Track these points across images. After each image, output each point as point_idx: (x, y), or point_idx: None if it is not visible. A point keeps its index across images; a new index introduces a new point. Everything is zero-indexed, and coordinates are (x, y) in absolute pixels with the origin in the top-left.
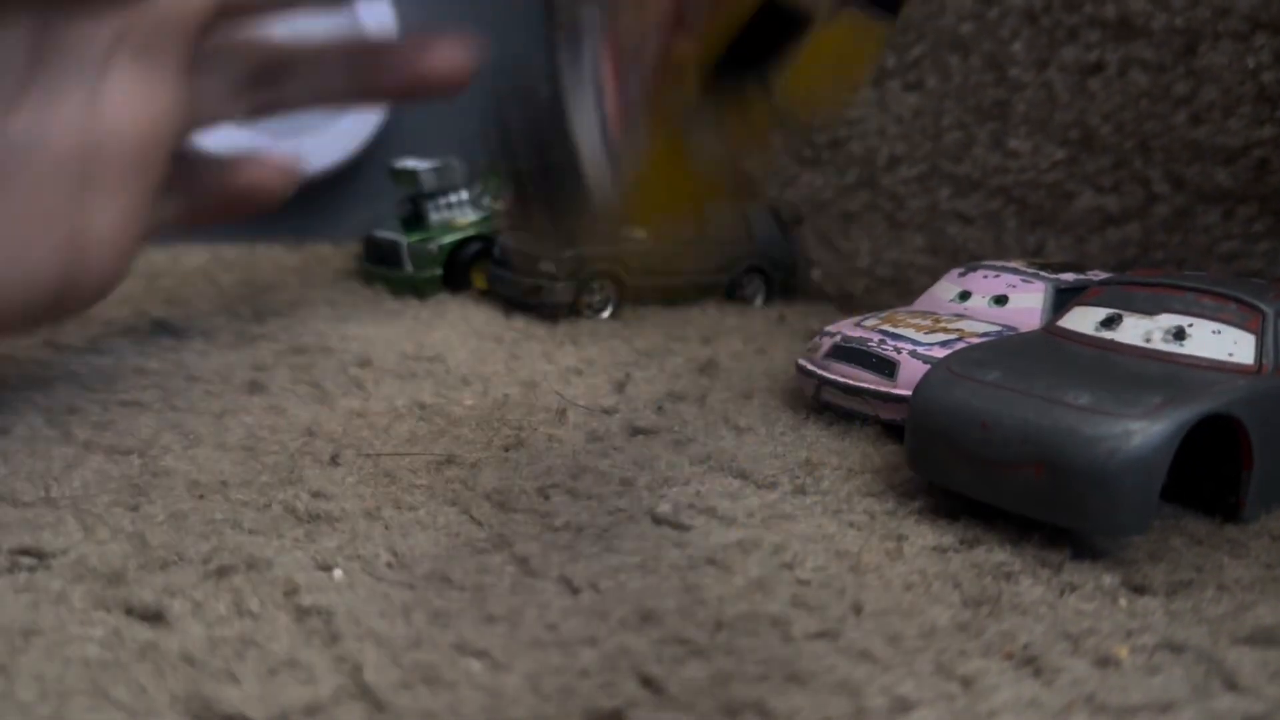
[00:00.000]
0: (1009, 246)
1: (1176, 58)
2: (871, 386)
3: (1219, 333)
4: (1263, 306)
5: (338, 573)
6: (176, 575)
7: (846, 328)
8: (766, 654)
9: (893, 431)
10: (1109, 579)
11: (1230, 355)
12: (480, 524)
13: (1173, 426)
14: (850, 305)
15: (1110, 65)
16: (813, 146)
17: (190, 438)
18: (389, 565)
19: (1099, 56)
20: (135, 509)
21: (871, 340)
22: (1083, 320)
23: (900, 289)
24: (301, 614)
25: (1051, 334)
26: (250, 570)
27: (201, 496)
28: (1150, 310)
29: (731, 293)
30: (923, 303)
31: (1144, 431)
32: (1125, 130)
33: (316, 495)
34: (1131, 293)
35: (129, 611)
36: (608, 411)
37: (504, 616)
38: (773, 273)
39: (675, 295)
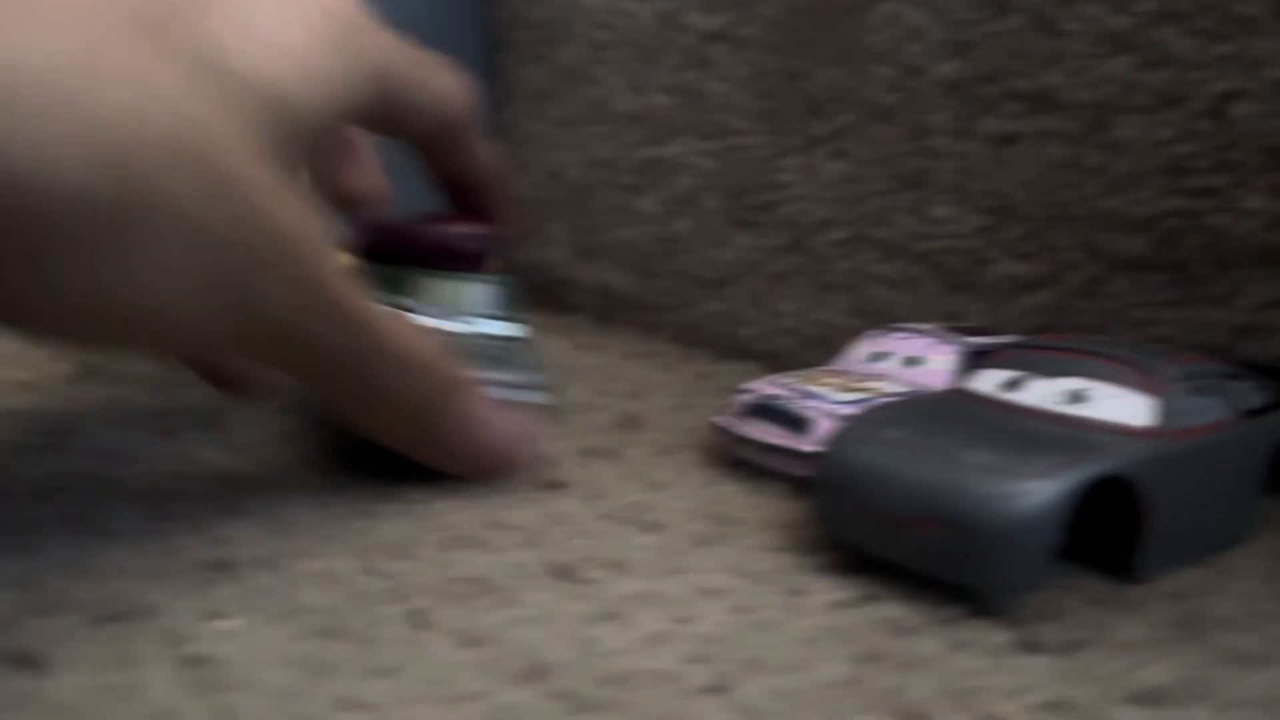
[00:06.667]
0: (929, 311)
1: (1090, 130)
2: (785, 444)
3: (1117, 395)
4: (1161, 371)
5: (227, 621)
6: (62, 622)
7: (763, 385)
8: (656, 709)
9: (805, 488)
10: (1001, 637)
11: (1128, 418)
12: (380, 575)
13: (1067, 486)
14: (779, 364)
15: (1027, 136)
16: (744, 209)
17: (95, 482)
18: (282, 616)
19: (1016, 128)
20: (24, 552)
21: (786, 398)
22: (988, 382)
23: (827, 349)
24: (185, 663)
25: (958, 395)
26: (139, 618)
27: (97, 541)
28: (1052, 373)
29: None
30: (840, 362)
31: (1038, 491)
32: (1040, 199)
33: (219, 542)
34: (1035, 356)
35: (8, 659)
36: None
37: (391, 669)
38: None
39: None
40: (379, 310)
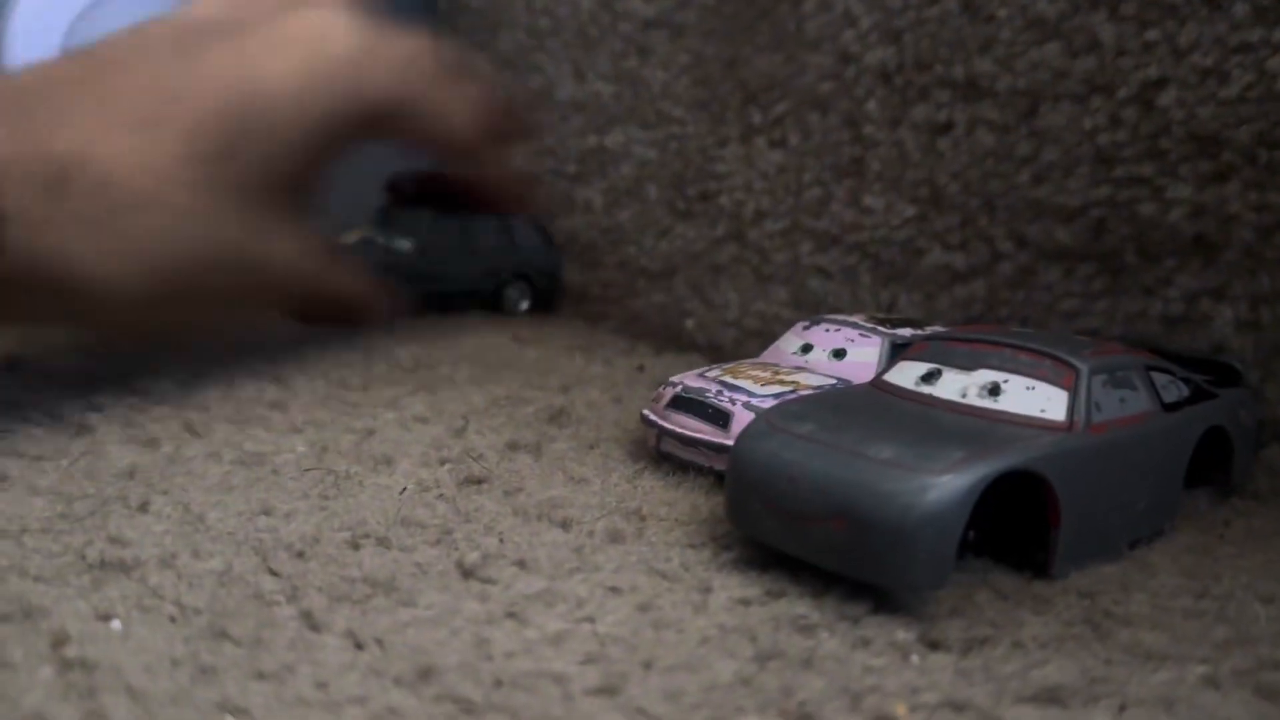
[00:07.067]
0: (865, 301)
1: (1020, 118)
2: (706, 437)
3: (1033, 389)
4: (1077, 364)
5: (115, 623)
6: None
7: (689, 378)
8: (542, 712)
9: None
10: (904, 634)
11: (1042, 411)
12: (277, 575)
13: (969, 482)
14: (721, 355)
15: (958, 125)
16: (685, 199)
17: (1, 479)
18: (171, 618)
19: (948, 116)
20: None
21: (710, 391)
22: (906, 375)
23: (766, 341)
24: (65, 666)
25: (877, 388)
26: (25, 619)
27: None
28: (968, 366)
29: (496, 301)
30: (768, 354)
31: (940, 486)
32: (971, 189)
33: (114, 542)
34: (953, 348)
35: None
36: (442, 461)
37: (274, 673)
38: (537, 280)
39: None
40: (297, 255)
